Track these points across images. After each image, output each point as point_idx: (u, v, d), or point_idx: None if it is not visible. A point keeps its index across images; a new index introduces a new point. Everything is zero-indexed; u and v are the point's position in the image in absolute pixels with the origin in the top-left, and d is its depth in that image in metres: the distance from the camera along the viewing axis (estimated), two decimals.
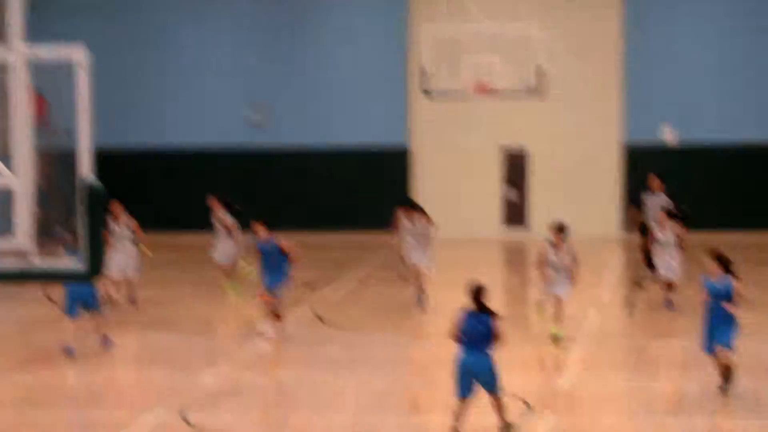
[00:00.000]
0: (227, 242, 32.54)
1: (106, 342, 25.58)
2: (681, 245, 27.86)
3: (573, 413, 22.33)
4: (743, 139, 39.69)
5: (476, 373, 18.58)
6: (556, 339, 24.96)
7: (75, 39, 9.64)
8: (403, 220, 31.03)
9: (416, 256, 30.77)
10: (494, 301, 33.82)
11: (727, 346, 20.80)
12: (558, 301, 25.59)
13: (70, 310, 25.11)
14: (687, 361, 25.36)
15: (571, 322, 29.31)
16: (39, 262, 8.44)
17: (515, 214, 41.33)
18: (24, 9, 8.20)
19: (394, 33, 40.43)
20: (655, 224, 28.96)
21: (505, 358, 26.33)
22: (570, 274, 25.71)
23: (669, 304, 28.45)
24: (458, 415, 18.61)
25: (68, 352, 25.01)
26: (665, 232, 27.67)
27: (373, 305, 32.07)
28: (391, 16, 40.34)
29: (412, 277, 31.27)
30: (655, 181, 32.04)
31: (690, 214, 28.29)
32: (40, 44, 8.04)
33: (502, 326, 18.82)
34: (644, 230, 31.48)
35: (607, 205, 39.13)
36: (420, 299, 30.81)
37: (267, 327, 25.20)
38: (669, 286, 28.28)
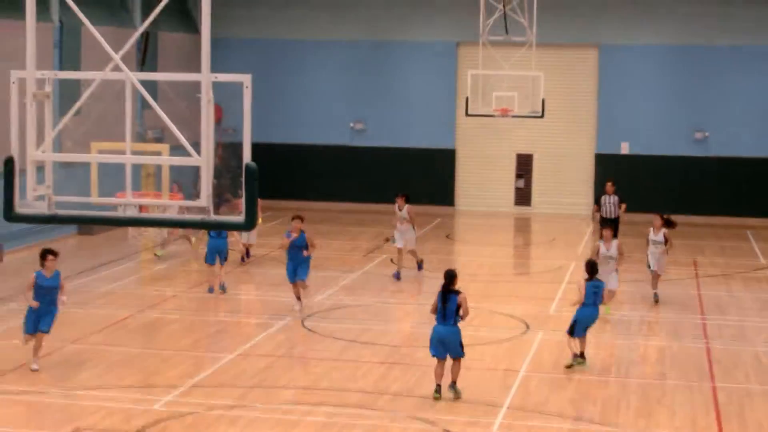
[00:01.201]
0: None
1: (223, 285, 24.91)
2: (668, 245, 24.40)
3: (555, 331, 22.29)
4: (677, 153, 39.19)
5: (445, 340, 16.86)
6: (607, 313, 22.11)
7: (236, 69, 9.70)
8: (396, 207, 27.06)
9: (398, 240, 26.97)
10: (505, 256, 34.14)
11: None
12: (610, 291, 21.84)
13: (209, 259, 24.63)
14: (630, 299, 25.32)
15: (559, 271, 29.26)
16: (214, 216, 8.48)
17: (523, 197, 41.13)
18: (208, 51, 8.23)
19: (447, 74, 40.09)
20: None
21: (512, 293, 26.40)
22: (617, 263, 22.81)
23: (655, 296, 24.58)
24: (436, 369, 16.99)
25: (210, 290, 24.83)
26: (657, 233, 24.28)
27: (430, 253, 32.02)
28: (445, 64, 40.08)
29: (396, 257, 27.30)
30: (609, 186, 30.70)
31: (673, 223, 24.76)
32: (221, 70, 8.11)
33: (467, 303, 17.00)
34: (602, 221, 29.69)
35: (584, 195, 38.78)
36: (398, 275, 26.83)
37: (297, 305, 22.70)
38: (656, 277, 24.42)
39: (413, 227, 27.20)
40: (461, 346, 16.96)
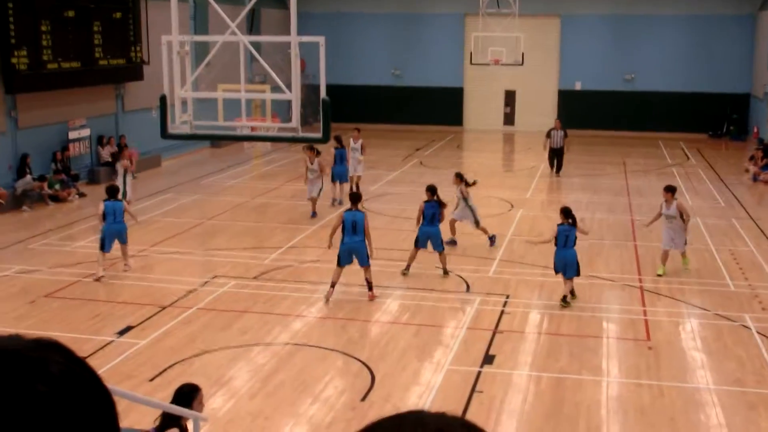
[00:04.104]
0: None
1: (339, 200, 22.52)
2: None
3: (530, 209, 22.17)
4: (613, 89, 38.62)
5: (430, 237, 15.57)
6: (685, 265, 16.22)
7: (314, 33, 9.59)
8: (307, 160, 20.83)
9: (311, 191, 20.76)
10: (497, 159, 33.87)
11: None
12: (667, 252, 16.07)
13: (333, 180, 22.17)
14: (580, 186, 25.01)
15: (533, 169, 28.92)
16: (302, 133, 8.40)
17: (509, 119, 40.62)
18: (295, 21, 8.05)
19: (458, 36, 39.34)
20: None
21: (502, 183, 26.17)
22: (681, 223, 15.89)
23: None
24: (410, 258, 15.78)
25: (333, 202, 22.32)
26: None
27: (445, 158, 31.76)
28: (456, 29, 39.33)
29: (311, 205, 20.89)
30: (557, 123, 28.15)
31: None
32: (303, 34, 8.01)
33: (445, 211, 15.94)
34: (551, 150, 27.46)
35: (550, 117, 37.86)
36: (314, 214, 20.59)
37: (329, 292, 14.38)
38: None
39: (322, 178, 20.89)
40: (442, 242, 15.72)
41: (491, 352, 12.00)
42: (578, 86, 39.18)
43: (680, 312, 14.00)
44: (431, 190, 15.85)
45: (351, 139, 23.64)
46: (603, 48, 38.60)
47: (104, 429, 1.10)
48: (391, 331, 12.88)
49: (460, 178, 17.94)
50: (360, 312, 13.82)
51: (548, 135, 27.61)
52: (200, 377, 11.06)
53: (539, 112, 39.53)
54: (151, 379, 10.98)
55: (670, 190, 16.37)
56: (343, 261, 14.29)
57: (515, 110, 40.44)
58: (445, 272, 15.79)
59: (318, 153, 20.78)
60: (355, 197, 15.04)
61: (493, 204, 22.67)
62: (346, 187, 22.48)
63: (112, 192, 15.84)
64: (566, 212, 14.60)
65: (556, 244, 14.46)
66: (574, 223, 14.50)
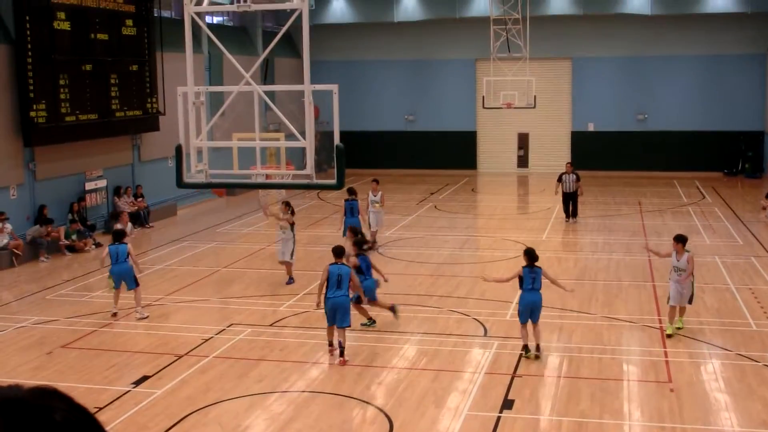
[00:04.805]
0: None
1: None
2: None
3: (545, 251, 22.06)
4: (626, 129, 38.65)
5: (368, 289, 14.87)
6: (678, 330, 14.51)
7: (327, 81, 9.63)
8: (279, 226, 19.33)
9: (282, 254, 18.82)
10: (511, 202, 33.79)
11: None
12: (682, 307, 14.66)
13: (344, 234, 20.57)
14: (597, 227, 24.85)
15: (548, 211, 28.81)
16: (316, 180, 8.39)
17: (522, 162, 40.62)
18: (308, 70, 8.08)
19: (469, 81, 39.59)
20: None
21: (517, 226, 26.03)
22: (688, 275, 14.34)
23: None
24: (363, 310, 15.22)
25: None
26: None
27: (461, 202, 31.70)
28: (468, 74, 39.60)
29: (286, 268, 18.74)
30: (568, 166, 26.92)
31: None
32: (317, 82, 8.04)
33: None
34: (564, 195, 26.25)
35: (564, 159, 37.78)
36: (290, 280, 18.60)
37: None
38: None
39: (293, 242, 18.79)
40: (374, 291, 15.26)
41: (510, 397, 11.83)
42: (591, 127, 39.27)
43: (702, 353, 13.77)
44: (358, 244, 15.52)
45: (370, 191, 22.87)
46: (614, 89, 38.78)
47: None
48: (408, 377, 12.74)
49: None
50: (377, 358, 13.69)
51: (559, 179, 26.50)
52: (216, 426, 10.95)
53: (553, 154, 39.62)
54: (167, 430, 10.87)
55: (681, 240, 14.75)
56: (330, 320, 13.51)
57: (529, 153, 40.52)
58: (394, 311, 15.24)
59: (292, 211, 18.98)
60: (339, 251, 13.79)
61: (508, 246, 22.56)
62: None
63: (117, 236, 16.40)
64: (530, 254, 13.66)
65: (521, 287, 13.48)
66: (536, 266, 13.51)
